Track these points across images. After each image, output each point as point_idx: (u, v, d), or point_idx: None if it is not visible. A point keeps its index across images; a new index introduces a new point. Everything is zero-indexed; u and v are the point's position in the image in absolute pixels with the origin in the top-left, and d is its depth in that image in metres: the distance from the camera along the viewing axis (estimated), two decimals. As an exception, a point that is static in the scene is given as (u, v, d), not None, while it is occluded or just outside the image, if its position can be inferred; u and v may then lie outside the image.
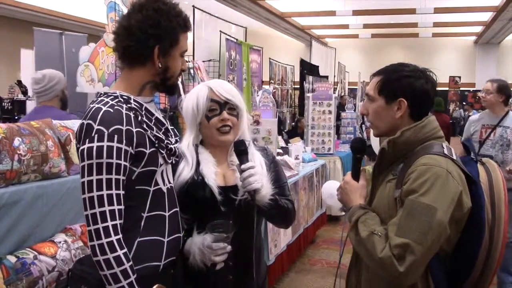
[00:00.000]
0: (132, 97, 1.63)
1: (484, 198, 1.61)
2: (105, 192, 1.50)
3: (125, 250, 1.52)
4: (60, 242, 2.45)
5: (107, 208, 1.50)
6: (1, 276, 2.06)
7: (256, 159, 1.93)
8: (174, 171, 1.84)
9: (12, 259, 2.19)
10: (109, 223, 1.50)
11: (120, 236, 1.52)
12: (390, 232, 1.54)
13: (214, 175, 1.86)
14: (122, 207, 1.55)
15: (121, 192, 1.55)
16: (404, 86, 1.69)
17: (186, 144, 1.92)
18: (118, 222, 1.52)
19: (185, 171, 1.87)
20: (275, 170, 2.00)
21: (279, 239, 4.45)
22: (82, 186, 1.52)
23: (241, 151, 1.83)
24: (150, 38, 1.60)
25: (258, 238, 1.95)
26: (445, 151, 1.63)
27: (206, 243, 1.73)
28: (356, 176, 1.83)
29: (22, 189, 2.35)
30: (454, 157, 1.64)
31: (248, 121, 2.03)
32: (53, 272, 2.32)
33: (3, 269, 2.11)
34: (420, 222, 1.50)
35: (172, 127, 1.83)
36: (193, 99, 1.89)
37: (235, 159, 1.88)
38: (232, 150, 1.91)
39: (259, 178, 1.78)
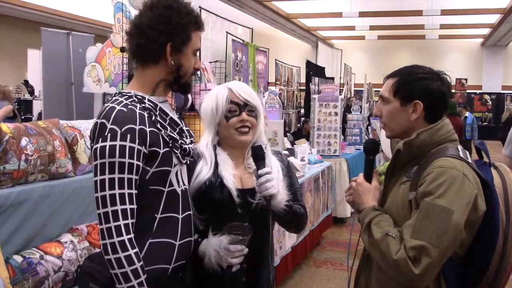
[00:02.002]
0: (146, 96, 1.63)
1: (498, 201, 1.60)
2: (117, 191, 1.50)
3: (137, 249, 1.52)
4: (66, 242, 2.46)
5: (119, 207, 1.50)
6: (7, 275, 2.06)
7: (273, 164, 1.92)
8: (191, 171, 1.84)
9: (18, 258, 2.20)
10: (121, 222, 1.50)
11: (132, 235, 1.52)
12: (405, 234, 1.53)
13: (232, 177, 1.86)
14: (134, 206, 1.54)
15: (134, 191, 1.54)
16: (420, 88, 1.68)
17: (204, 144, 1.92)
18: (130, 221, 1.52)
19: (204, 171, 1.86)
20: (289, 175, 2.00)
21: (284, 241, 4.44)
22: (95, 184, 1.53)
23: (259, 156, 1.82)
24: (162, 34, 1.60)
25: (271, 240, 1.95)
26: (461, 154, 1.62)
27: (223, 245, 1.72)
28: (368, 178, 1.81)
29: (28, 189, 2.35)
30: (470, 160, 1.63)
31: (264, 125, 2.03)
32: (59, 272, 2.33)
33: (10, 268, 2.11)
34: (436, 225, 1.49)
35: (187, 128, 1.82)
36: (212, 100, 1.89)
37: (252, 163, 1.87)
38: (249, 153, 1.91)
39: (276, 184, 1.78)
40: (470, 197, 1.53)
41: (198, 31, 1.69)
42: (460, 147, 1.67)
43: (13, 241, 2.26)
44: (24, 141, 2.35)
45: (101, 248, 1.52)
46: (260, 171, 1.78)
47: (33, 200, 2.36)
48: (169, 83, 1.69)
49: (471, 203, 1.53)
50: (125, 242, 1.49)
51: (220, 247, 1.73)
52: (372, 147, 1.88)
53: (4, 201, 2.21)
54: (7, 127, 2.33)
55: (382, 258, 1.57)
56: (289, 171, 2.02)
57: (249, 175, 1.90)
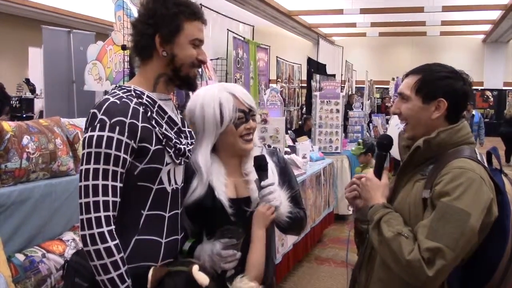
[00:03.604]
0: (146, 92, 1.63)
1: (510, 208, 1.58)
2: (100, 182, 1.49)
3: (117, 241, 1.50)
4: (68, 241, 2.46)
5: (101, 198, 1.49)
6: (10, 274, 2.06)
7: (269, 168, 1.88)
8: (187, 177, 1.80)
9: (20, 257, 2.20)
10: (102, 214, 1.48)
11: (113, 227, 1.50)
12: (420, 234, 1.51)
13: (224, 187, 1.82)
14: (117, 199, 1.53)
15: (118, 184, 1.53)
16: (445, 87, 1.66)
17: (203, 160, 1.81)
18: (111, 213, 1.51)
19: (198, 190, 1.80)
20: (288, 177, 1.97)
21: (286, 238, 4.44)
22: (80, 173, 1.52)
23: (262, 166, 1.80)
24: (149, 27, 1.62)
25: (270, 244, 1.92)
26: (478, 157, 1.61)
27: (216, 250, 1.71)
28: (379, 174, 1.77)
29: (30, 187, 2.35)
30: (486, 165, 1.62)
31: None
32: (61, 270, 2.33)
33: (12, 267, 2.11)
34: (453, 227, 1.47)
35: (190, 130, 1.81)
36: (215, 107, 1.78)
37: (249, 168, 1.85)
38: (246, 158, 1.88)
39: (278, 195, 1.77)
40: (486, 201, 1.52)
41: (193, 21, 1.67)
42: (477, 150, 1.65)
43: (15, 239, 2.26)
44: (25, 140, 2.35)
45: (80, 239, 1.50)
46: (263, 183, 1.76)
47: (35, 199, 2.36)
48: (169, 78, 1.68)
49: (486, 207, 1.51)
50: (104, 234, 1.48)
51: (213, 253, 1.72)
52: (386, 143, 1.84)
53: (6, 200, 2.21)
54: (8, 125, 2.33)
55: (392, 258, 1.54)
56: (287, 172, 1.99)
57: (244, 182, 1.86)
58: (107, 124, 1.51)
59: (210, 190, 1.82)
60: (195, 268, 1.50)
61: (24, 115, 9.96)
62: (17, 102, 11.28)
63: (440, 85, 1.66)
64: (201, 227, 1.84)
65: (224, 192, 1.81)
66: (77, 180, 2.55)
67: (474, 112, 11.74)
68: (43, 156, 2.43)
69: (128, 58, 3.88)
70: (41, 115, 8.02)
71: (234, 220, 1.81)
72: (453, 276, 1.58)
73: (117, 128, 1.51)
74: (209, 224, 1.82)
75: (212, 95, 1.81)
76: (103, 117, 1.52)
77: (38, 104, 10.17)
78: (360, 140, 5.15)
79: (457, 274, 1.59)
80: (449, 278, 1.58)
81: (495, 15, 16.57)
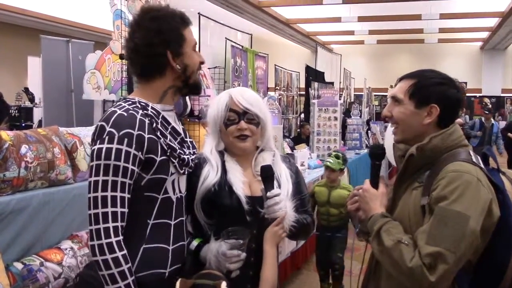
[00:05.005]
0: (150, 104, 1.65)
1: None
2: (109, 194, 1.52)
3: (125, 252, 1.53)
4: (66, 249, 2.46)
5: (109, 209, 1.52)
6: (8, 282, 2.07)
7: (282, 172, 1.93)
8: (197, 176, 1.84)
9: (18, 265, 2.20)
10: (110, 225, 1.51)
11: (121, 238, 1.53)
12: (420, 240, 1.50)
13: (242, 184, 1.85)
14: (125, 210, 1.55)
15: (126, 195, 1.56)
16: (438, 93, 1.66)
17: (209, 150, 1.92)
18: (119, 224, 1.53)
19: (211, 176, 1.85)
20: (298, 181, 2.00)
21: (284, 246, 4.44)
22: (89, 185, 1.55)
23: (267, 177, 1.81)
24: (158, 46, 1.62)
25: (277, 250, 1.94)
26: (473, 159, 1.60)
27: (221, 251, 1.73)
28: (375, 184, 1.77)
29: (28, 196, 2.36)
30: (482, 166, 1.61)
31: (273, 131, 2.02)
32: (59, 279, 2.33)
33: (10, 275, 2.12)
34: (453, 230, 1.46)
35: (191, 140, 1.84)
36: (214, 106, 1.90)
37: (259, 170, 1.87)
38: (257, 160, 1.91)
39: (284, 206, 1.79)
40: (485, 202, 1.50)
41: (187, 27, 1.70)
42: (472, 152, 1.65)
43: (13, 248, 2.27)
44: (24, 149, 2.37)
45: (89, 249, 1.53)
46: (268, 193, 1.78)
47: (33, 207, 2.37)
48: (178, 88, 1.71)
49: (486, 208, 1.50)
50: (112, 244, 1.51)
51: (218, 253, 1.74)
52: (379, 152, 1.84)
53: (4, 208, 2.22)
54: (6, 134, 2.35)
55: (394, 266, 1.54)
56: (297, 177, 2.02)
57: (258, 182, 1.88)
58: (116, 137, 1.53)
59: (228, 187, 1.84)
60: (224, 285, 1.51)
61: (23, 124, 9.96)
62: (16, 111, 11.28)
63: (434, 91, 1.66)
64: (215, 224, 1.86)
65: (241, 188, 1.84)
66: (75, 189, 2.62)
67: (493, 121, 11.56)
68: (41, 165, 2.44)
69: (126, 67, 3.90)
70: (40, 124, 8.03)
71: (249, 219, 1.83)
72: (464, 280, 1.57)
73: (126, 140, 1.54)
74: (224, 222, 1.82)
75: (217, 96, 1.94)
76: (112, 129, 1.54)
77: (37, 113, 10.19)
78: (339, 154, 4.48)
79: (467, 278, 1.58)
80: (460, 283, 1.56)
81: (492, 22, 16.64)
